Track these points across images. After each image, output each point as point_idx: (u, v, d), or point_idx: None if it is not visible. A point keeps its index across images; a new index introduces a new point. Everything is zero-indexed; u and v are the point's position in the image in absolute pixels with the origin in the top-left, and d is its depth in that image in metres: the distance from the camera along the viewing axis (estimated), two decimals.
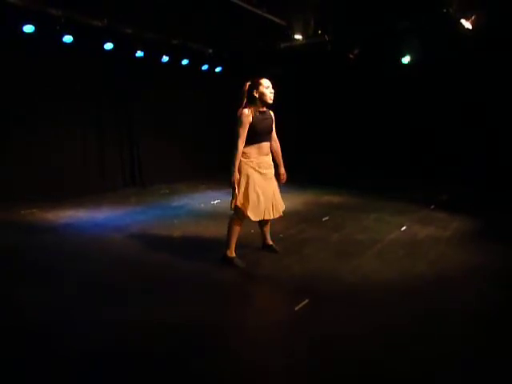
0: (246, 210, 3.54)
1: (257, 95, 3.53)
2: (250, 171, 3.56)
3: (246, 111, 3.51)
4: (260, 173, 3.60)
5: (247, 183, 3.54)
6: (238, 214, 3.61)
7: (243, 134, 3.50)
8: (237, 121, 3.52)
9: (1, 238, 4.52)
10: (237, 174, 3.51)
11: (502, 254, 4.08)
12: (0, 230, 4.78)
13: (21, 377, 2.21)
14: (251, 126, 3.51)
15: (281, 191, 3.85)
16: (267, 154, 3.71)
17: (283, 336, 2.62)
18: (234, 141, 3.53)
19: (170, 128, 8.16)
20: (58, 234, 4.68)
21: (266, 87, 3.55)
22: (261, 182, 3.59)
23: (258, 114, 3.56)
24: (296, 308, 2.90)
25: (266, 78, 3.58)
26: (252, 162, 3.57)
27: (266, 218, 3.68)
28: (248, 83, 3.58)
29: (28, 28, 5.81)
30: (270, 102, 3.59)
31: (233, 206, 3.59)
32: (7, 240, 4.42)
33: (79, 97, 6.88)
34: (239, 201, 3.54)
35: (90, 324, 2.73)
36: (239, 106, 3.57)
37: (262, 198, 3.56)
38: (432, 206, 6.07)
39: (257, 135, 3.56)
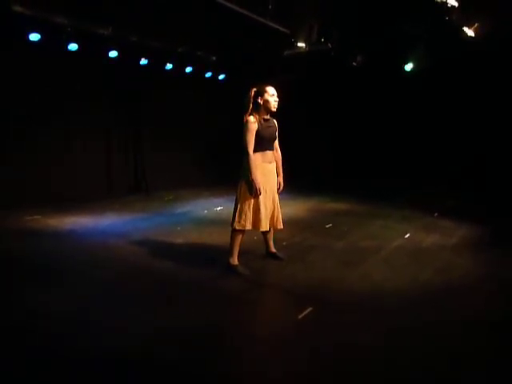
0: (248, 220, 3.55)
1: (261, 102, 3.54)
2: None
3: (252, 118, 3.52)
4: (264, 183, 3.58)
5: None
6: (241, 223, 3.58)
7: (252, 139, 3.50)
8: (243, 127, 3.53)
9: (4, 243, 4.51)
10: (258, 179, 3.48)
11: (508, 261, 4.04)
12: (4, 236, 4.78)
13: (21, 377, 2.20)
14: (257, 132, 3.51)
15: (283, 199, 3.82)
16: (271, 162, 3.71)
17: (284, 343, 2.59)
18: (244, 148, 3.52)
19: (175, 135, 8.18)
20: (61, 240, 4.66)
21: (271, 95, 3.55)
22: (264, 194, 3.57)
23: (262, 121, 3.57)
24: (299, 316, 2.87)
25: (272, 86, 3.58)
26: (257, 169, 3.53)
27: (264, 229, 3.64)
28: (254, 89, 3.58)
29: (34, 36, 5.87)
30: (274, 110, 3.59)
31: (238, 217, 3.57)
32: (10, 245, 4.41)
33: (84, 103, 6.92)
34: (244, 210, 3.54)
35: (90, 325, 2.73)
36: (244, 112, 3.56)
37: (262, 209, 3.55)
38: (436, 214, 6.04)
39: (261, 142, 3.56)
